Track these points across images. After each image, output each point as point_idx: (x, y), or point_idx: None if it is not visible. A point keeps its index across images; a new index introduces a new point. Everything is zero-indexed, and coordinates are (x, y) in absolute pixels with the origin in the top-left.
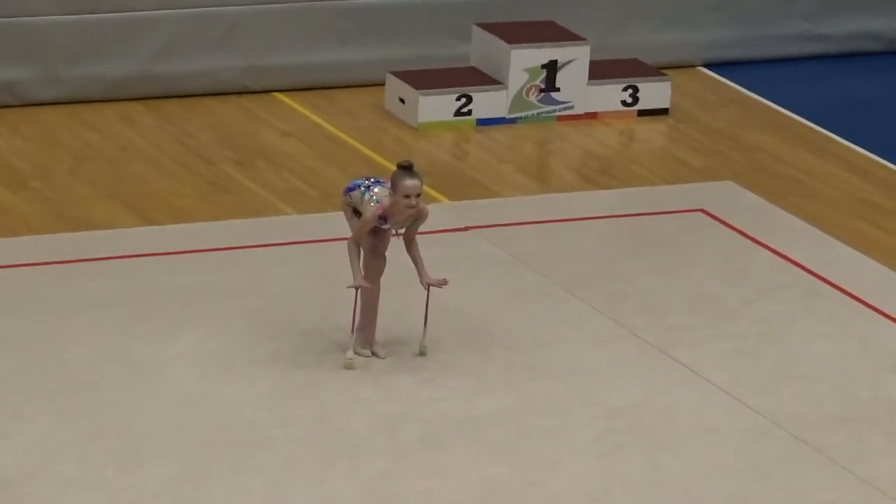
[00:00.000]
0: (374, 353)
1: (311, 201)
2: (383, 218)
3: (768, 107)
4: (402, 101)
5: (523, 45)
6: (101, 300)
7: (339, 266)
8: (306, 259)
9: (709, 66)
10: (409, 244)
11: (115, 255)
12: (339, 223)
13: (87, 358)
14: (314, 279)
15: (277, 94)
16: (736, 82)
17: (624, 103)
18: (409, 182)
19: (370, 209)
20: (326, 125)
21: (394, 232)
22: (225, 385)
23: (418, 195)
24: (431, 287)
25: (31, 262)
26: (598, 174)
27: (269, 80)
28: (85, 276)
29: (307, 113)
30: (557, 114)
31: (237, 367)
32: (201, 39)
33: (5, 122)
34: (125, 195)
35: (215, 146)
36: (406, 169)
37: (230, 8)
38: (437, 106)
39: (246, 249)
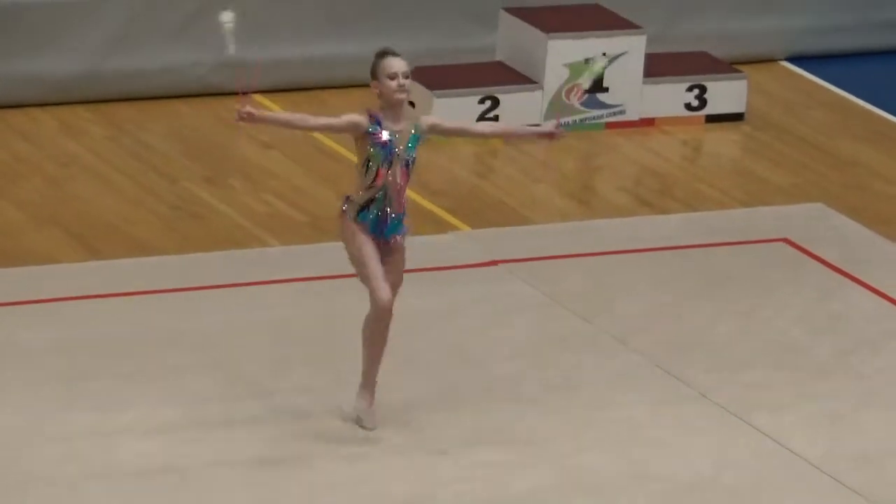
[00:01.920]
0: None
1: (299, 229)
2: (376, 120)
3: (867, 110)
4: (411, 104)
5: (563, 34)
6: (33, 353)
7: (334, 309)
8: (292, 301)
9: (794, 60)
10: (447, 129)
11: (53, 296)
12: (332, 256)
13: (15, 427)
14: (302, 325)
15: (256, 96)
16: (828, 80)
17: (689, 107)
18: (393, 60)
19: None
20: (317, 134)
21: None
22: (190, 461)
23: (406, 76)
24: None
25: None
26: (656, 195)
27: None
28: (14, 323)
29: None
30: (606, 120)
31: (205, 437)
32: (161, 28)
33: None
34: (67, 221)
35: (179, 160)
36: (384, 52)
37: None
38: (455, 111)
39: (217, 289)
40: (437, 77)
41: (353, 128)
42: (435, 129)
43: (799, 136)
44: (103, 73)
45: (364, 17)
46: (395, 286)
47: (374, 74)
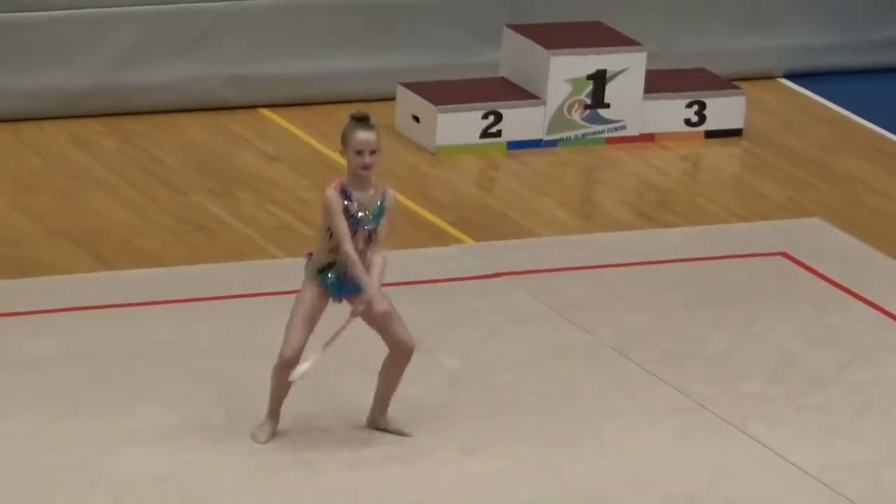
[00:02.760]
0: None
1: (305, 241)
2: (344, 192)
3: (864, 127)
4: (416, 119)
5: (565, 50)
6: (42, 362)
7: (340, 320)
8: None
9: (792, 77)
10: (374, 244)
11: (62, 306)
12: None
13: (22, 435)
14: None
15: (263, 111)
16: (825, 97)
17: (688, 122)
18: (361, 135)
19: (327, 191)
20: (323, 148)
21: (366, 228)
22: (195, 468)
23: (373, 152)
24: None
25: None
26: (657, 209)
27: (253, 93)
28: (23, 333)
29: (299, 133)
30: (606, 135)
31: (211, 445)
32: (171, 44)
33: None
34: (77, 233)
35: (188, 174)
36: (358, 120)
37: (206, 5)
38: (459, 126)
39: (225, 300)
40: (441, 92)
41: (344, 209)
42: (376, 235)
43: (797, 152)
44: (114, 87)
45: (371, 34)
46: (400, 331)
47: (344, 142)
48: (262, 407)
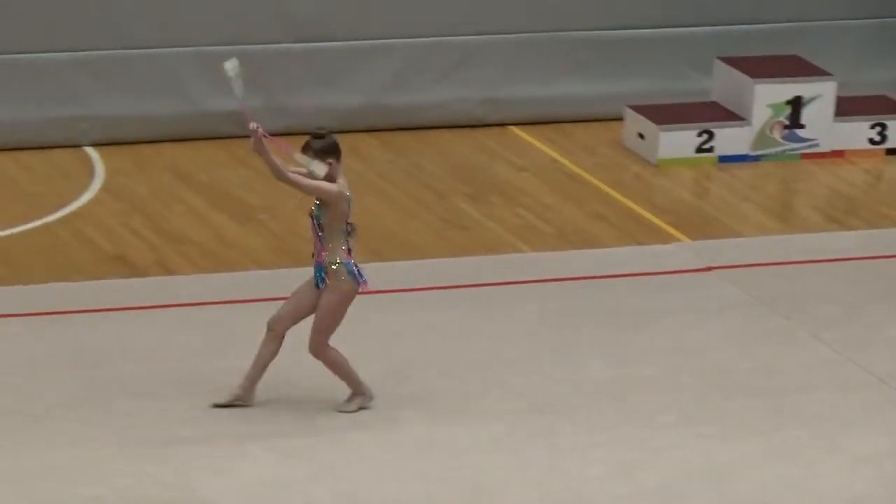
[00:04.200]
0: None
1: (546, 238)
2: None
3: None
4: (641, 136)
5: (767, 79)
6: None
7: (575, 306)
8: (541, 298)
9: None
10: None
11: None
12: (577, 262)
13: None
14: (548, 318)
15: (513, 128)
16: None
17: (871, 141)
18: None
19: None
20: (563, 160)
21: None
22: (456, 429)
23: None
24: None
25: (254, 297)
26: (844, 215)
27: (504, 112)
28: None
29: (543, 147)
30: (802, 151)
31: (468, 411)
32: (434, 69)
33: (233, 153)
34: None
35: (448, 180)
36: (316, 137)
37: (465, 38)
38: (677, 142)
39: (478, 287)
40: (662, 113)
41: (340, 197)
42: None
43: None
44: (386, 107)
45: (603, 63)
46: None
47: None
48: (522, 375)
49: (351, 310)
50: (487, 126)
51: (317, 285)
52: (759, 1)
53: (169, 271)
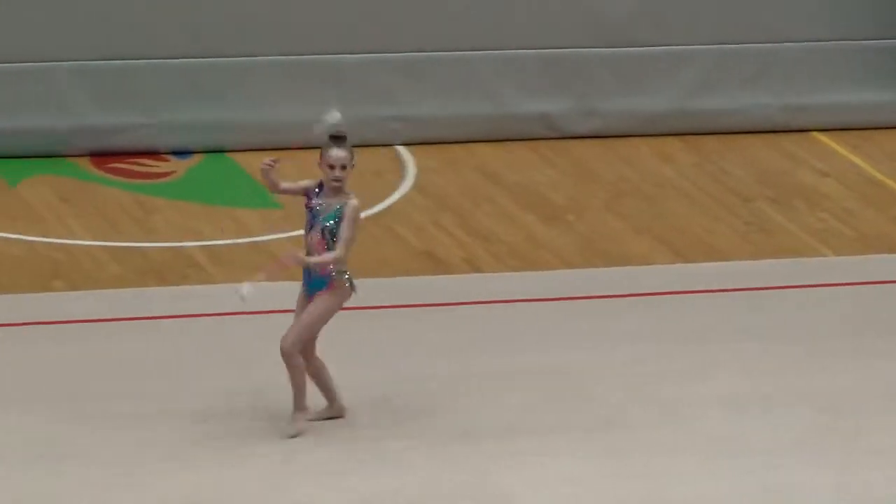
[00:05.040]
0: None
1: (849, 243)
2: (318, 191)
3: None
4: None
5: None
6: (630, 336)
7: (873, 314)
8: (843, 302)
9: None
10: (337, 243)
11: (647, 291)
12: (877, 267)
13: (617, 396)
14: (849, 325)
15: (815, 134)
16: None
17: None
18: (334, 152)
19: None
20: (866, 167)
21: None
22: (757, 426)
23: (343, 167)
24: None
25: (561, 296)
26: None
27: (807, 118)
28: (617, 312)
29: (846, 153)
30: None
31: (771, 408)
32: (736, 75)
33: (541, 154)
34: (659, 231)
35: (752, 184)
36: (335, 138)
37: (766, 45)
38: None
39: (780, 290)
40: None
41: (302, 191)
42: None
43: None
44: (691, 111)
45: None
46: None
47: (321, 155)
48: (808, 376)
49: (649, 309)
50: (790, 132)
51: (310, 294)
52: None
53: (476, 269)
